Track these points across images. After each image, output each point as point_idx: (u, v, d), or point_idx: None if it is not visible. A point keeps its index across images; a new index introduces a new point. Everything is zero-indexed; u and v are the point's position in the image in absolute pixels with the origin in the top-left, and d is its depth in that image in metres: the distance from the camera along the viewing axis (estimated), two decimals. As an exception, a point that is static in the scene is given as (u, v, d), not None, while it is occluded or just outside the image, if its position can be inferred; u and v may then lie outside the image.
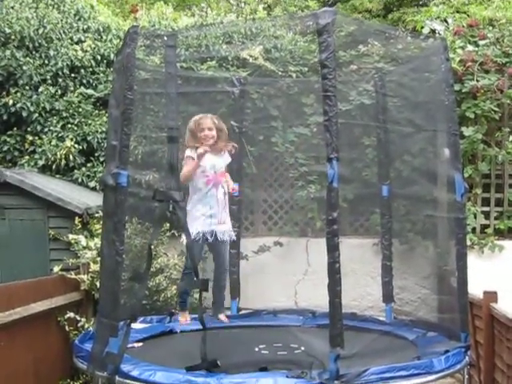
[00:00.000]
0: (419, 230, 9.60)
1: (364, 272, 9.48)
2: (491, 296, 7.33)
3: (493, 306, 7.16)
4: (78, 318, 7.24)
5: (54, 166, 9.93)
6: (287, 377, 4.76)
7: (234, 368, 5.02)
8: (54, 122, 10.19)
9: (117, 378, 5.03)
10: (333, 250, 4.71)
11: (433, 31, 12.28)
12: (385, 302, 7.22)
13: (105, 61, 10.76)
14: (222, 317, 6.87)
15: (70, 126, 10.19)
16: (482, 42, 10.07)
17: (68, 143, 9.90)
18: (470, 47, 10.01)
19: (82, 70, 10.57)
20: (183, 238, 6.21)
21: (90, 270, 7.53)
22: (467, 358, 5.66)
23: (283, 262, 9.69)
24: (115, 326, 5.14)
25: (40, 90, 10.25)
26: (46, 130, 10.17)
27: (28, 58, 10.32)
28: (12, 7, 10.76)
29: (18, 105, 10.06)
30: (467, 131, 9.61)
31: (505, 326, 6.70)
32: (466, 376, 5.77)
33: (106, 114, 9.79)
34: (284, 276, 9.59)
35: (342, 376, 4.69)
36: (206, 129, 6.63)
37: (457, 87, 9.30)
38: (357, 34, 9.58)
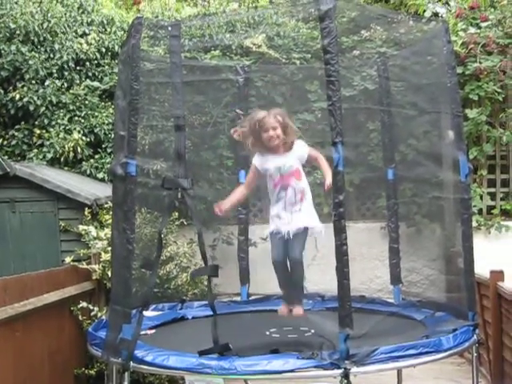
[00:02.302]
0: (426, 213, 9.67)
1: (372, 256, 9.55)
2: (498, 275, 7.42)
3: (500, 285, 7.25)
4: (91, 307, 7.32)
5: (62, 159, 10.02)
6: (298, 358, 4.83)
7: (245, 351, 5.08)
8: (61, 115, 10.28)
9: (131, 363, 5.09)
10: (340, 232, 4.76)
11: (435, 14, 12.32)
12: (393, 284, 7.26)
13: (109, 53, 10.83)
14: (295, 310, 6.05)
15: (76, 118, 10.28)
16: (483, 24, 10.12)
17: (75, 136, 9.98)
18: (472, 29, 10.06)
19: (87, 63, 10.65)
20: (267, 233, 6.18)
21: (101, 259, 7.61)
22: (475, 336, 5.69)
23: (292, 247, 9.74)
24: (128, 312, 5.20)
25: (46, 83, 10.33)
26: (53, 123, 10.26)
27: (33, 53, 10.40)
28: (16, 2, 10.87)
29: (25, 99, 10.15)
30: (471, 113, 9.68)
31: (512, 304, 6.79)
32: (475, 354, 5.79)
33: (112, 106, 9.87)
34: (293, 262, 9.65)
35: (352, 356, 4.75)
36: (270, 129, 5.88)
37: (460, 69, 9.35)
38: (359, 19, 9.64)
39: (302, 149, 6.07)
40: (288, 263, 6.07)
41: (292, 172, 6.00)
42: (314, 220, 6.08)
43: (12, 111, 10.27)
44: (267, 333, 5.95)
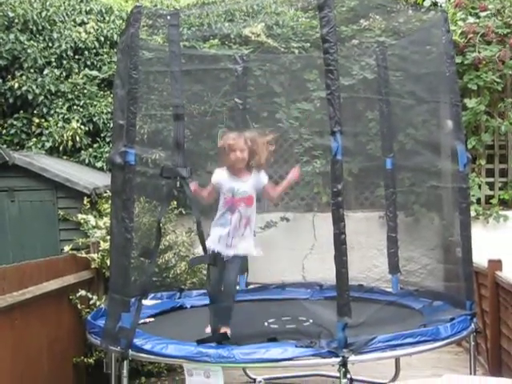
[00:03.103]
0: (424, 202, 9.68)
1: (370, 245, 9.57)
2: (496, 264, 7.42)
3: (498, 274, 7.25)
4: (90, 296, 7.31)
5: (61, 148, 10.04)
6: (296, 346, 4.85)
7: (243, 340, 5.12)
8: (60, 104, 10.28)
9: (130, 352, 5.12)
10: (338, 221, 4.79)
11: (434, 4, 12.29)
12: (391, 273, 7.29)
13: (108, 42, 10.81)
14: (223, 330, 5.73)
15: (75, 107, 10.29)
16: (483, 14, 10.09)
17: (74, 125, 9.99)
18: (471, 19, 10.03)
19: (86, 52, 10.63)
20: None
21: (100, 248, 7.61)
22: (473, 325, 5.73)
23: (290, 237, 9.77)
24: (127, 301, 5.23)
25: (45, 72, 10.33)
26: (52, 112, 10.26)
27: (32, 41, 10.39)
28: (15, -9, 10.83)
29: (24, 88, 10.15)
30: (470, 103, 9.67)
31: (510, 294, 6.80)
32: (473, 343, 5.83)
33: (111, 95, 9.88)
34: (291, 251, 9.68)
35: (351, 344, 4.78)
36: (238, 150, 5.91)
37: (459, 59, 9.34)
38: (358, 8, 9.63)
39: (261, 179, 6.04)
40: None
41: (244, 197, 5.92)
42: (252, 247, 6.01)
43: (11, 100, 10.27)
44: (265, 323, 5.98)
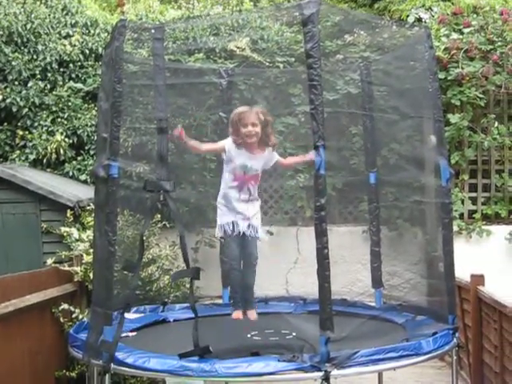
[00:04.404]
0: (408, 217, 9.72)
1: (354, 259, 9.59)
2: (478, 279, 7.46)
3: (480, 289, 7.29)
4: (72, 309, 7.29)
5: (44, 160, 10.01)
6: (279, 361, 4.84)
7: (226, 354, 5.09)
8: (44, 116, 10.26)
9: (112, 365, 5.09)
10: (321, 235, 4.78)
11: (418, 20, 12.39)
12: (374, 288, 7.30)
13: (93, 55, 10.80)
14: (249, 314, 6.19)
15: (59, 120, 10.26)
16: (466, 30, 10.18)
17: (58, 137, 9.97)
18: (455, 35, 10.11)
19: (71, 65, 10.62)
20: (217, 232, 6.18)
21: (83, 261, 7.59)
22: (455, 339, 5.73)
23: (274, 250, 9.76)
24: (109, 314, 5.19)
25: (29, 84, 10.31)
26: (36, 124, 10.24)
27: (17, 54, 10.37)
28: (-1, 3, 10.82)
29: (8, 100, 10.12)
30: (453, 118, 9.73)
31: (492, 308, 6.83)
32: (455, 357, 5.84)
33: (96, 108, 9.87)
34: (275, 265, 9.67)
35: (333, 359, 4.76)
36: (250, 124, 5.92)
37: (442, 75, 9.41)
38: (343, 23, 9.65)
39: (272, 155, 6.15)
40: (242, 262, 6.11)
41: (254, 175, 6.06)
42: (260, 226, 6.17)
43: (-6, 112, 10.26)
44: (248, 335, 5.95)
